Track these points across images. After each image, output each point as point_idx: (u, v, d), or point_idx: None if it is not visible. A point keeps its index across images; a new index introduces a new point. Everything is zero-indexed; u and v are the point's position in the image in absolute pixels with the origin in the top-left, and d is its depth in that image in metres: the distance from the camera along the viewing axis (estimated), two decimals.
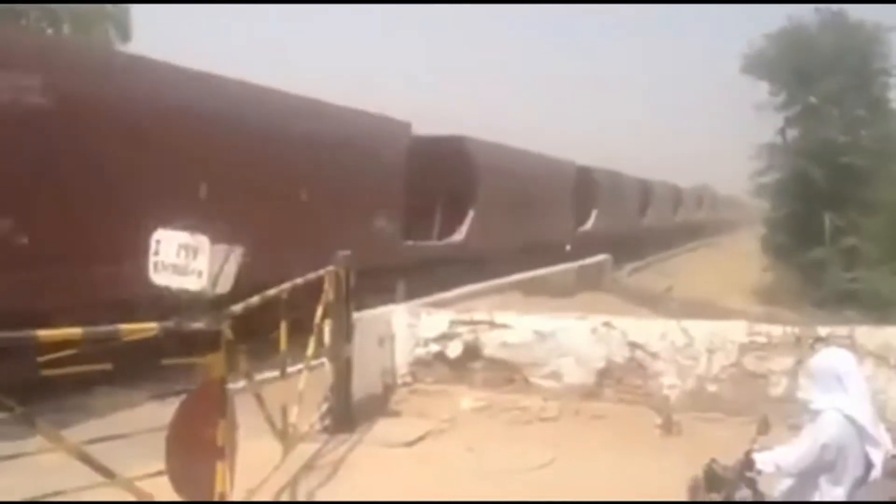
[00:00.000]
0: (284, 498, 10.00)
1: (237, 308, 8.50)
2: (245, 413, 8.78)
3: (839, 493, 6.72)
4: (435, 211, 32.17)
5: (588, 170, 50.12)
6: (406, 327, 14.95)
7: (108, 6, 42.33)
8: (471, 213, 32.44)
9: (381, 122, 27.02)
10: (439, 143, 31.48)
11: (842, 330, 13.35)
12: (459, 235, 31.96)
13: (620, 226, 54.89)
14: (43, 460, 7.09)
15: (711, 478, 7.02)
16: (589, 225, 49.55)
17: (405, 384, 14.79)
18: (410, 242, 28.21)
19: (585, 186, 48.73)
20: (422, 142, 29.85)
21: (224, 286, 7.82)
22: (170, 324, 7.45)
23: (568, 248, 41.10)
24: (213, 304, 7.85)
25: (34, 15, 38.74)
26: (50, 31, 38.41)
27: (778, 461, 6.90)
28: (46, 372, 7.01)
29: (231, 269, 7.85)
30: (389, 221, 26.51)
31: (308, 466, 11.11)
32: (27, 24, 36.90)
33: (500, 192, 34.50)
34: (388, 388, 14.60)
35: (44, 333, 6.53)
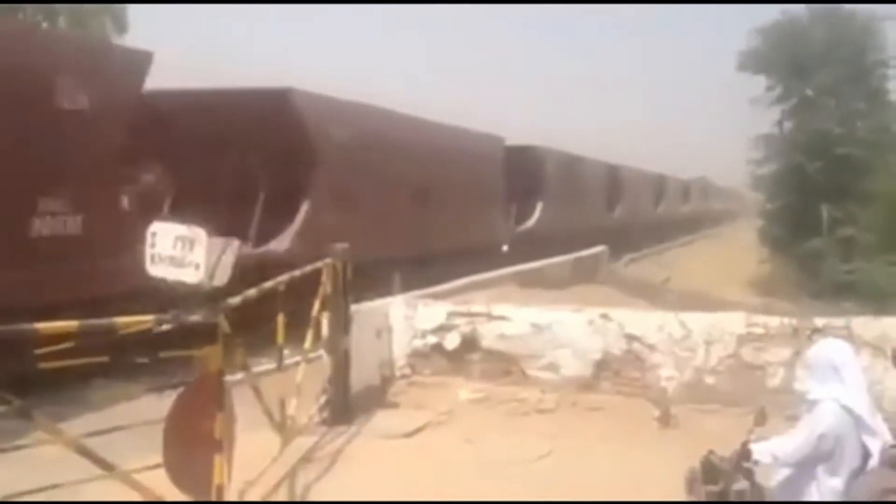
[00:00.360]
0: (283, 490, 10.01)
1: (234, 300, 8.51)
2: (243, 405, 8.79)
3: (836, 484, 6.74)
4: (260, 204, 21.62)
5: (529, 150, 41.01)
6: (403, 319, 14.97)
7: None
8: (304, 207, 21.98)
9: (70, 45, 17.17)
10: (260, 100, 21.41)
11: (839, 321, 13.37)
12: (282, 242, 21.23)
13: (580, 221, 45.44)
14: (41, 453, 7.10)
15: (709, 469, 7.03)
16: (532, 221, 40.48)
17: (403, 376, 14.81)
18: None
19: (528, 172, 39.38)
20: (232, 98, 21.42)
21: (221, 278, 7.82)
22: (167, 316, 7.46)
23: (505, 248, 34.94)
24: (210, 297, 7.86)
25: (31, 9, 38.70)
26: (45, 24, 38.37)
27: (775, 452, 6.91)
28: (44, 365, 7.02)
29: (228, 261, 7.84)
30: (93, 219, 15.45)
31: (306, 459, 11.12)
32: (24, 18, 36.85)
33: (362, 177, 24.32)
34: (386, 381, 14.63)
35: (42, 326, 6.53)
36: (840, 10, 49.86)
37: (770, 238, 52.92)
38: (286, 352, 11.06)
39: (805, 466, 6.86)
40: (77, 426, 8.30)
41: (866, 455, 6.74)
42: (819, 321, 13.40)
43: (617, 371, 13.95)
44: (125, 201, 16.76)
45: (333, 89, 23.58)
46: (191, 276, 7.76)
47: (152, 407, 7.74)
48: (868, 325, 12.99)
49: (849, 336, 12.01)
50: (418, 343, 14.85)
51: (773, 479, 7.11)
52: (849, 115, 48.72)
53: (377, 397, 14.00)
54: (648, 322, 14.08)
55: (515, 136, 38.97)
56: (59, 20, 40.16)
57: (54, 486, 6.96)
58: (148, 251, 7.97)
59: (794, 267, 46.76)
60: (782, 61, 49.51)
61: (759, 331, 13.41)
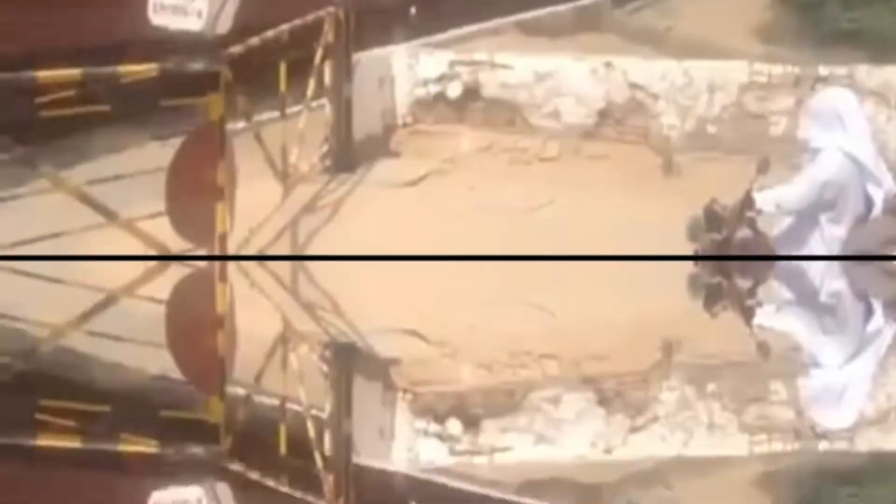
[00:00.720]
0: (285, 239, 10.05)
1: (237, 48, 8.41)
2: (245, 154, 8.78)
3: (839, 232, 6.77)
4: None
5: None
6: (406, 68, 14.80)
7: None
8: None
9: None
10: None
11: (842, 69, 13.26)
12: None
13: None
14: (43, 201, 7.11)
15: (711, 217, 7.07)
16: None
17: (405, 125, 14.72)
18: None
19: None
20: None
21: (224, 25, 7.72)
22: (169, 64, 7.40)
23: (413, 10, 27.39)
24: (213, 45, 7.77)
25: None
26: None
27: (778, 200, 6.93)
28: (46, 113, 6.99)
29: (231, 9, 7.74)
30: None
31: (308, 207, 11.14)
32: None
33: None
34: (389, 129, 14.55)
35: (43, 74, 6.48)
36: None
37: None
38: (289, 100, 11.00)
39: (808, 215, 6.89)
40: (80, 175, 8.29)
41: (870, 204, 6.75)
42: (823, 69, 13.29)
43: (620, 119, 13.87)
44: None
45: None
46: (194, 23, 7.67)
47: (155, 155, 7.74)
48: (871, 73, 12.91)
49: (852, 84, 11.94)
50: (420, 92, 14.70)
51: (775, 228, 7.14)
52: None
53: (379, 146, 13.95)
54: (652, 70, 13.97)
55: None
56: None
57: (56, 235, 7.00)
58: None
59: (798, 14, 46.13)
60: None
61: (763, 79, 13.31)
